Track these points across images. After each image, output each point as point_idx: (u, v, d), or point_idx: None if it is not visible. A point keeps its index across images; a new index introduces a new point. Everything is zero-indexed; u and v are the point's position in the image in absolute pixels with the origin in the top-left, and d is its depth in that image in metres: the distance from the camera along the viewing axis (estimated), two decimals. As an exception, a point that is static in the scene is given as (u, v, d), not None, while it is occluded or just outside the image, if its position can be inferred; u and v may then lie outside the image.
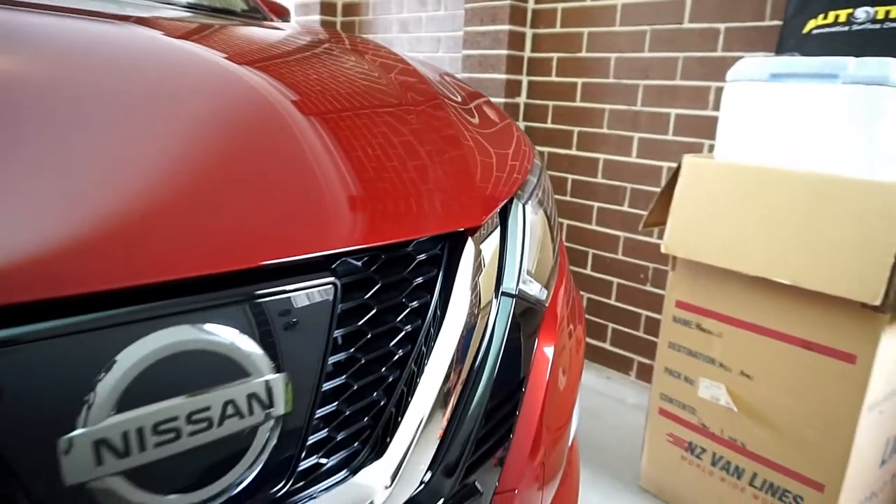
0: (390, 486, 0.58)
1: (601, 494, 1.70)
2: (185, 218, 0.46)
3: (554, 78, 2.47)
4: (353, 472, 0.57)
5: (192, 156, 0.50)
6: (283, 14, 1.76)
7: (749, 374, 1.43)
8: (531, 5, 2.49)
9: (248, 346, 0.49)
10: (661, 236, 2.21)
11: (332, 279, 0.54)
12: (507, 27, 2.45)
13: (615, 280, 2.40)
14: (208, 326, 0.47)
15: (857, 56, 1.29)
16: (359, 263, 0.59)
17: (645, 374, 2.34)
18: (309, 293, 0.52)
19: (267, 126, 0.58)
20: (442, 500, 0.63)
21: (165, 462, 0.45)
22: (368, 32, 3.21)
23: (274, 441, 0.51)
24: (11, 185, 0.41)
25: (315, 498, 0.54)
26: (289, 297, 0.51)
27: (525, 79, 2.56)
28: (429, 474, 0.62)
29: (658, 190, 2.22)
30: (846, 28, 1.60)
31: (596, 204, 2.42)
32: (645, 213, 2.26)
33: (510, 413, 0.74)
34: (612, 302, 2.43)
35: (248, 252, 0.49)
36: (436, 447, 0.63)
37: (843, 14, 1.62)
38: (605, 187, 2.38)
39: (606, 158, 2.36)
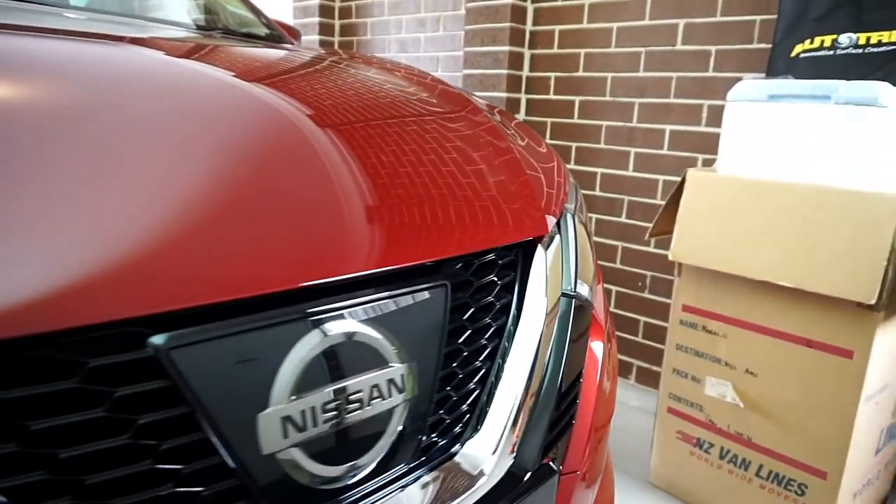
0: (494, 454, 0.66)
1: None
2: (339, 231, 0.55)
3: (552, 96, 2.59)
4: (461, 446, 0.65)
5: (336, 180, 0.59)
6: (296, 36, 1.84)
7: (754, 371, 1.54)
8: (529, 27, 2.61)
9: (386, 339, 0.57)
10: (658, 246, 2.33)
11: (444, 281, 0.63)
12: (507, 48, 2.56)
13: (614, 288, 2.51)
14: (357, 323, 0.55)
15: (841, 78, 1.42)
16: (459, 268, 0.67)
17: (644, 377, 2.44)
18: (430, 293, 0.61)
19: (388, 152, 0.67)
20: (528, 473, 0.71)
21: (329, 436, 0.53)
22: (366, 52, 3.30)
23: (405, 420, 0.59)
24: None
25: (437, 468, 0.62)
26: (416, 297, 0.60)
27: (524, 97, 2.68)
28: (516, 452, 0.70)
29: (654, 202, 2.34)
30: (831, 52, 1.75)
31: (594, 216, 2.53)
32: (641, 223, 2.38)
33: (573, 402, 0.82)
34: (612, 309, 2.53)
35: (387, 257, 0.57)
36: (521, 429, 0.71)
37: (828, 39, 1.76)
38: (603, 200, 2.50)
39: (604, 172, 2.48)
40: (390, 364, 0.57)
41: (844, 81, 1.39)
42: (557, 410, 0.78)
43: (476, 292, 0.69)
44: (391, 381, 0.57)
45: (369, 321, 0.56)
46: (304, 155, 0.59)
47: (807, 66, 1.78)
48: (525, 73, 2.66)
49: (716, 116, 2.16)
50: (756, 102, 1.51)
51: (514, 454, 0.70)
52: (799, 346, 1.46)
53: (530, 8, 2.59)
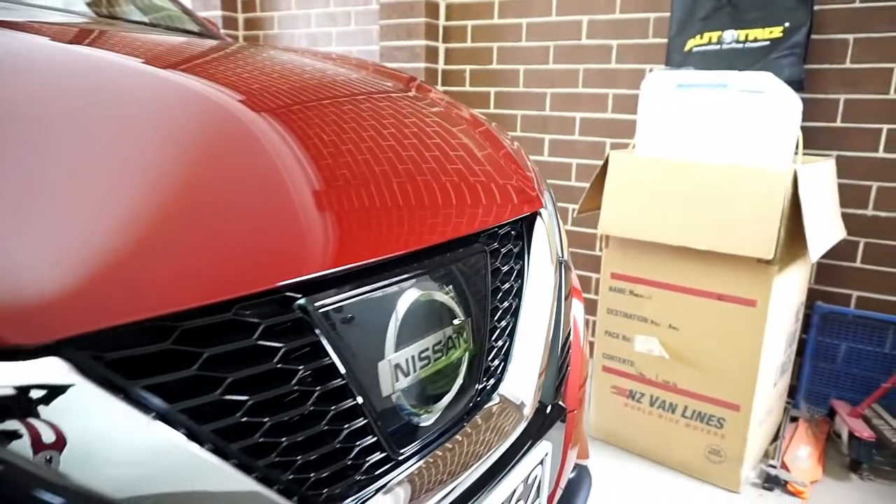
0: (530, 392, 0.77)
1: (558, 447, 1.96)
2: (417, 213, 0.64)
3: (468, 88, 2.73)
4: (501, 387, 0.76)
5: (408, 174, 0.67)
6: (217, 31, 1.84)
7: (676, 326, 1.77)
8: (442, 22, 2.72)
9: (454, 299, 0.66)
10: (577, 224, 2.54)
11: (485, 248, 0.73)
12: (423, 42, 2.66)
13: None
14: (435, 285, 0.64)
15: (728, 69, 1.67)
16: (487, 238, 0.78)
17: (567, 346, 2.66)
18: (480, 259, 0.71)
19: (431, 146, 0.76)
20: (549, 407, 0.83)
21: (421, 381, 0.62)
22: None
23: (469, 366, 0.69)
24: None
25: (492, 402, 0.73)
26: (468, 263, 0.69)
27: (441, 89, 2.79)
28: (541, 391, 0.82)
29: (569, 184, 2.55)
30: (718, 47, 2.01)
31: (513, 200, 2.71)
32: (561, 204, 2.58)
33: (567, 351, 0.96)
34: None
35: (449, 231, 0.67)
36: (542, 373, 0.83)
37: (714, 36, 2.03)
38: (521, 184, 2.67)
39: (521, 159, 2.66)
40: (458, 320, 0.67)
41: (737, 72, 1.63)
42: (562, 357, 0.90)
43: (501, 259, 0.80)
44: (459, 334, 0.67)
45: (442, 284, 0.65)
46: (394, 156, 0.67)
47: (699, 59, 2.04)
48: (440, 66, 2.78)
49: (620, 104, 2.40)
50: (665, 91, 1.72)
51: (540, 393, 0.82)
52: (712, 301, 1.69)
53: (442, 4, 2.71)
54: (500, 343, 0.78)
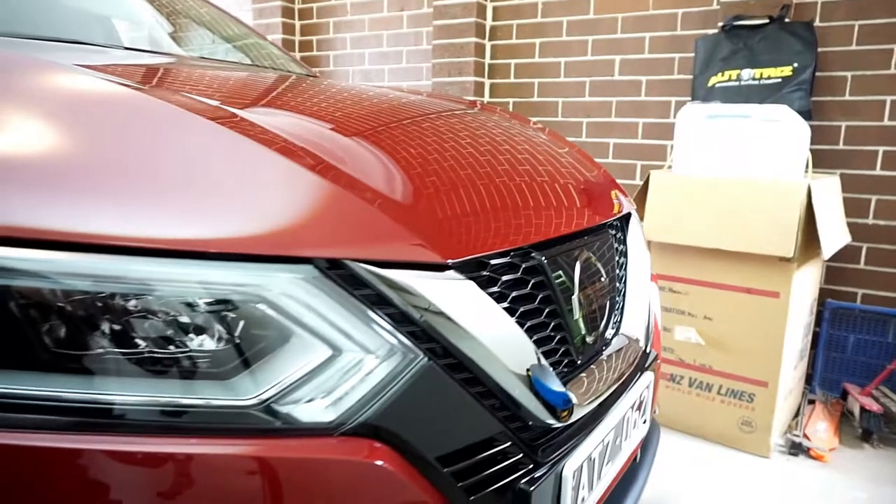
0: (642, 339, 1.10)
1: (609, 426, 2.27)
2: (584, 204, 0.97)
3: (511, 118, 3.09)
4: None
5: (576, 176, 1.01)
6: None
7: (710, 316, 2.09)
8: (488, 61, 3.10)
9: (600, 262, 0.99)
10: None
11: (611, 231, 1.06)
12: (472, 78, 3.03)
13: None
14: (592, 253, 0.97)
15: (745, 102, 2.02)
16: (609, 226, 1.11)
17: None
18: (610, 238, 1.04)
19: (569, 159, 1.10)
20: (644, 352, 1.15)
21: (589, 313, 0.94)
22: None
23: (609, 315, 1.01)
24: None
25: (619, 336, 1.05)
26: (607, 240, 1.03)
27: (486, 119, 3.15)
28: (646, 340, 1.14)
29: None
30: (737, 83, 2.38)
31: (553, 216, 3.05)
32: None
33: (652, 315, 1.28)
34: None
35: (598, 217, 1.00)
36: (645, 324, 1.15)
37: (734, 74, 2.39)
38: (560, 202, 3.02)
39: (559, 179, 3.01)
40: (605, 279, 0.99)
41: (758, 105, 1.98)
42: (650, 317, 1.23)
43: (618, 242, 1.13)
44: (604, 287, 0.99)
45: (594, 252, 0.98)
46: (555, 167, 1.01)
47: (720, 93, 2.40)
48: (486, 99, 3.14)
49: (648, 131, 2.75)
50: (698, 121, 2.07)
51: (645, 341, 1.14)
52: (741, 294, 2.02)
53: (488, 45, 3.08)
54: (618, 298, 1.10)
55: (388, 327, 0.62)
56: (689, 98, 2.54)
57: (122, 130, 0.67)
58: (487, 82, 3.12)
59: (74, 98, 0.73)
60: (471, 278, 0.70)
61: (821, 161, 2.36)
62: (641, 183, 2.22)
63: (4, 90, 0.71)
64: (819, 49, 2.31)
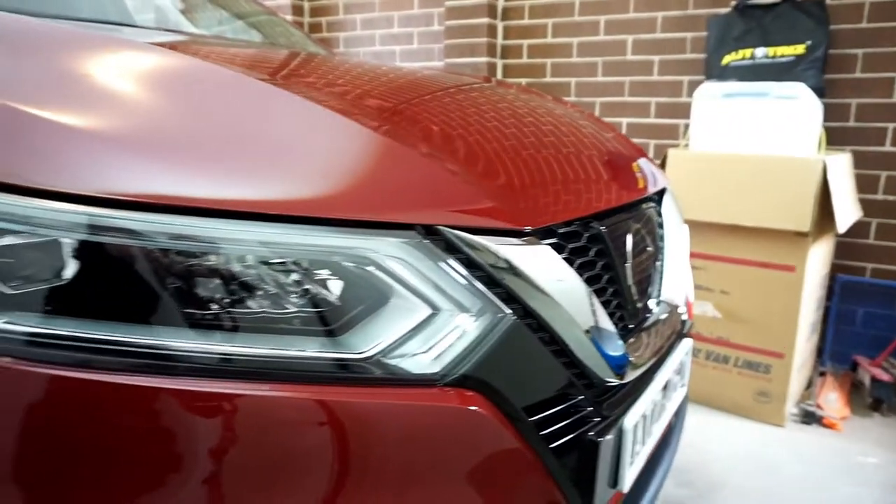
0: (683, 300, 1.15)
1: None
2: (632, 176, 1.02)
3: (523, 98, 3.12)
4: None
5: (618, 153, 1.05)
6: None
7: (727, 291, 2.15)
8: (500, 41, 3.12)
9: (646, 235, 1.04)
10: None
11: (653, 205, 1.11)
12: (484, 59, 3.05)
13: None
14: (640, 223, 1.02)
15: (759, 80, 2.06)
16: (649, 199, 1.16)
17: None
18: (653, 209, 1.09)
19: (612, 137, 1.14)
20: (683, 319, 1.21)
21: (640, 280, 0.99)
22: (339, 63, 3.65)
23: (654, 283, 1.06)
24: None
25: (662, 304, 1.10)
26: (650, 211, 1.07)
27: (498, 100, 3.18)
28: (683, 307, 1.20)
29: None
30: (751, 62, 2.41)
31: (565, 195, 3.09)
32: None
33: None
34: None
35: (644, 190, 1.04)
36: (683, 296, 1.20)
37: (747, 52, 2.42)
38: (572, 182, 3.06)
39: (572, 159, 3.04)
40: (650, 247, 1.04)
41: (775, 83, 2.02)
42: (687, 287, 1.28)
43: (655, 214, 1.18)
44: (652, 258, 1.04)
45: (642, 222, 1.03)
46: (600, 142, 1.05)
47: (734, 72, 2.43)
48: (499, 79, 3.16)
49: (661, 111, 2.79)
50: (715, 99, 2.11)
51: (684, 309, 1.19)
52: (757, 268, 2.08)
53: (500, 26, 3.10)
54: (660, 268, 1.15)
55: (480, 288, 0.67)
56: (702, 77, 2.57)
57: (232, 106, 0.72)
58: (500, 63, 3.15)
59: (174, 75, 0.78)
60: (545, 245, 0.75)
61: (832, 138, 2.41)
62: (658, 162, 2.27)
63: (99, 66, 0.75)
64: (831, 26, 2.35)
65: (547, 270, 0.73)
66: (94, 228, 0.57)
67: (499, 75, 3.16)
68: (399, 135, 0.76)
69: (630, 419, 0.86)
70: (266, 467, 0.59)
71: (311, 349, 0.60)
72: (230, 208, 0.59)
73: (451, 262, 0.66)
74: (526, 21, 3.04)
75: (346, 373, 0.61)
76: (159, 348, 0.57)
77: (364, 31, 3.54)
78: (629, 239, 0.96)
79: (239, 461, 0.59)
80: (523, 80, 3.10)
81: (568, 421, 0.76)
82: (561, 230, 0.81)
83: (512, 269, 0.69)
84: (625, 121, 2.88)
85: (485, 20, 3.01)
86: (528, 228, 0.73)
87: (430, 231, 0.66)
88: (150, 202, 0.58)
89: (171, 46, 0.93)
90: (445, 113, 0.93)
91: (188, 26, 1.74)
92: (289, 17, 3.63)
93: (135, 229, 0.58)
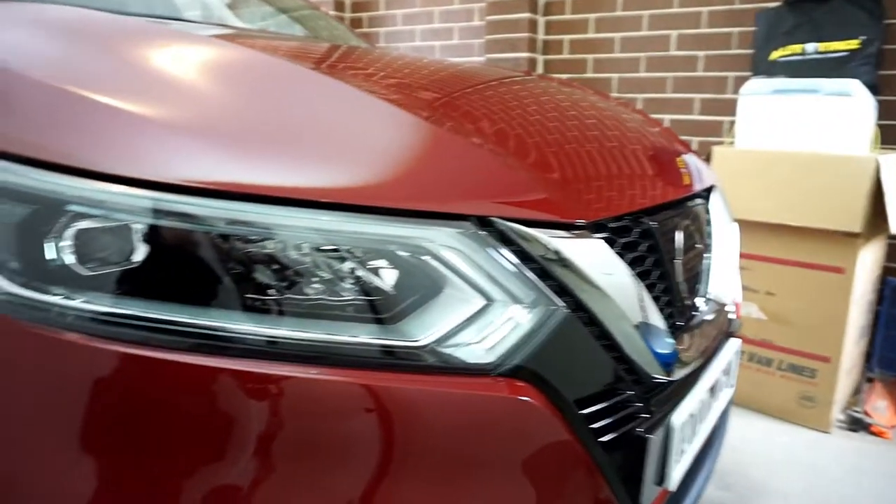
0: (730, 299, 1.13)
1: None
2: (683, 174, 1.00)
3: (563, 94, 3.09)
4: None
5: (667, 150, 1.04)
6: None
7: (772, 292, 2.10)
8: (542, 36, 3.10)
9: (698, 230, 1.03)
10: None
11: (701, 202, 1.09)
12: (525, 54, 3.04)
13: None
14: (688, 220, 1.00)
15: (810, 76, 2.00)
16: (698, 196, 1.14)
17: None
18: (702, 206, 1.07)
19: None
20: (731, 316, 1.19)
21: (689, 277, 0.98)
22: (379, 58, 3.67)
23: (702, 281, 1.05)
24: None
25: (710, 302, 1.08)
26: (699, 208, 1.06)
27: (538, 96, 3.16)
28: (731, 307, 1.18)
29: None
30: (801, 57, 2.35)
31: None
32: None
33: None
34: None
35: (695, 186, 1.03)
36: (731, 295, 1.18)
37: (797, 48, 2.36)
38: (612, 179, 3.03)
39: (611, 156, 3.01)
40: (698, 245, 1.03)
41: (826, 79, 1.96)
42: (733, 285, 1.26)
43: (704, 211, 1.16)
44: (700, 256, 1.03)
45: (691, 218, 1.01)
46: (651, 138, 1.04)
47: (783, 68, 2.37)
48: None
49: (705, 107, 2.73)
50: (763, 95, 2.06)
51: (730, 307, 1.17)
52: (805, 269, 2.02)
53: (541, 21, 3.08)
54: (709, 265, 1.14)
55: (534, 280, 0.67)
56: (748, 73, 2.51)
57: (292, 97, 0.74)
58: (541, 58, 3.13)
59: (235, 66, 0.80)
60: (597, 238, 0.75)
61: (886, 136, 2.32)
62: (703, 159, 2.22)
63: (168, 58, 0.78)
64: (885, 21, 2.27)
65: (599, 264, 0.73)
66: (160, 213, 0.59)
67: (539, 71, 3.14)
68: (454, 126, 0.77)
69: (678, 417, 0.85)
70: (317, 449, 0.61)
71: (366, 335, 0.61)
72: (290, 196, 0.61)
73: (506, 253, 0.66)
74: (568, 16, 3.01)
75: (401, 360, 0.62)
76: (218, 330, 0.59)
77: (405, 26, 3.56)
78: (678, 235, 0.95)
79: (291, 441, 0.61)
80: (564, 76, 3.08)
81: (617, 416, 0.76)
82: (612, 224, 0.80)
83: (565, 262, 0.69)
84: (667, 117, 2.83)
85: (526, 15, 2.99)
86: (581, 222, 0.73)
87: (484, 222, 0.66)
88: (214, 188, 0.60)
89: (230, 39, 0.95)
90: (497, 105, 0.93)
91: (234, 21, 1.77)
92: (330, 13, 3.66)
93: (197, 214, 0.60)
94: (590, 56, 2.99)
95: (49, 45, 0.76)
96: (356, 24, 3.76)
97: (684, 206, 1.01)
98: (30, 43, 0.76)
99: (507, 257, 0.66)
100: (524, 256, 0.68)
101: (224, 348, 0.60)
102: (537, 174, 0.75)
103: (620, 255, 0.79)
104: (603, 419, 0.74)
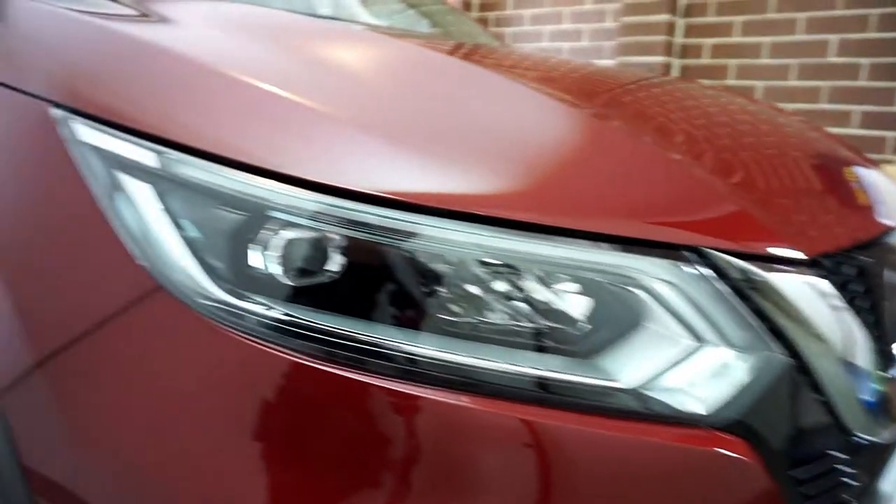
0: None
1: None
2: (882, 207, 0.88)
3: (700, 101, 2.92)
4: None
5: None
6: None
7: None
8: (679, 40, 2.93)
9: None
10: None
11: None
12: (659, 58, 2.89)
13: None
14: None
15: None
16: None
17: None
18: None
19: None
20: None
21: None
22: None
23: None
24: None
25: None
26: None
27: (671, 102, 3.00)
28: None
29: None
30: None
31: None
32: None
33: None
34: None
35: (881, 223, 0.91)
36: None
37: None
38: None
39: (750, 169, 2.80)
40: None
41: None
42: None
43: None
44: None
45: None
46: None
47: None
48: (672, 80, 2.99)
49: (866, 121, 2.48)
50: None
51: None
52: None
53: (681, 23, 2.91)
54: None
55: (752, 322, 0.59)
56: (926, 84, 2.25)
57: (486, 106, 0.71)
58: (676, 63, 2.96)
59: (428, 71, 0.78)
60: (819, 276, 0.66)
61: None
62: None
63: (368, 62, 0.77)
64: None
65: (822, 307, 0.64)
66: (363, 226, 0.57)
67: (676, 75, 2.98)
68: (655, 140, 0.71)
69: (888, 483, 0.75)
70: (511, 488, 0.57)
71: (564, 371, 0.56)
72: (499, 215, 0.57)
73: (722, 289, 0.59)
74: (711, 18, 2.83)
75: (604, 402, 0.56)
76: (402, 352, 0.56)
77: (532, 26, 3.49)
78: (889, 273, 0.83)
79: (464, 473, 0.57)
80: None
81: (827, 481, 0.66)
82: (828, 261, 0.71)
83: (784, 303, 0.61)
84: (819, 130, 2.59)
85: (664, 17, 2.84)
86: (803, 257, 0.64)
87: (698, 254, 0.60)
88: (411, 202, 0.57)
89: (416, 41, 0.93)
90: (682, 116, 0.85)
91: (367, 17, 1.78)
92: (457, 13, 3.67)
93: (398, 229, 0.57)
94: (733, 61, 2.79)
95: (246, 45, 0.76)
96: (482, 23, 3.73)
97: (893, 238, 0.89)
98: (227, 41, 0.77)
99: (726, 294, 0.59)
100: (741, 295, 0.60)
101: (403, 372, 0.57)
102: (755, 202, 0.67)
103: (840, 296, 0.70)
104: (811, 483, 0.65)
